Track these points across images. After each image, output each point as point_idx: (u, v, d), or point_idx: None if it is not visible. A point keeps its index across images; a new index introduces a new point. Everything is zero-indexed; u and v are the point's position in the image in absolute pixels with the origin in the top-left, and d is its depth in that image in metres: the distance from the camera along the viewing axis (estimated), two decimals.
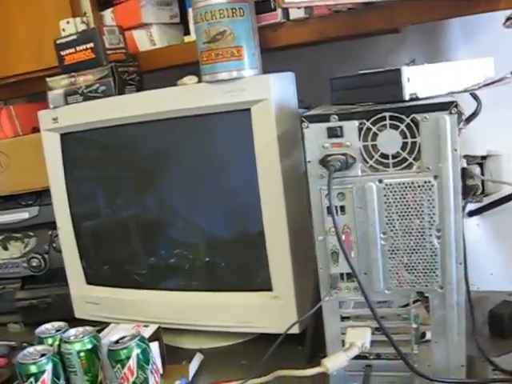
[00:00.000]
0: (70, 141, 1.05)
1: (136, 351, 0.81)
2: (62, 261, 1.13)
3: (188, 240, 1.02)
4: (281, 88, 0.89)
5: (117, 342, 0.83)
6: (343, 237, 0.76)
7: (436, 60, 1.11)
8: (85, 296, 1.11)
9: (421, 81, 0.73)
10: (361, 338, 0.77)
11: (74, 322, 1.06)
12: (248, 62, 0.88)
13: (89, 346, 0.85)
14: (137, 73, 1.04)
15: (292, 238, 0.91)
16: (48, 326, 0.91)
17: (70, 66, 1.04)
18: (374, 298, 0.76)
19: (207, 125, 0.94)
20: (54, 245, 1.18)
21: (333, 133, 0.74)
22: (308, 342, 0.91)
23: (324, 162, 0.74)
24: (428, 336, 0.78)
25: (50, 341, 0.88)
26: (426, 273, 0.74)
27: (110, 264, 1.10)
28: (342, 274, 0.78)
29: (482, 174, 0.83)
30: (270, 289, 0.93)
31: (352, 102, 0.77)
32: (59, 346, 0.87)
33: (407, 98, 0.71)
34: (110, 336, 0.91)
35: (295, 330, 0.92)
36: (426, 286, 0.75)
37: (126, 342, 0.82)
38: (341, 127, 0.73)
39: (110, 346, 0.82)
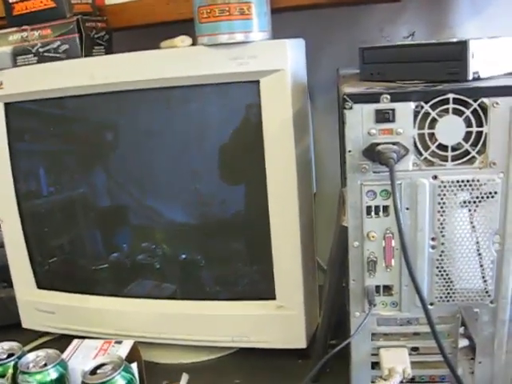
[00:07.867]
0: (18, 112, 0.83)
1: None
2: (4, 258, 0.92)
3: (159, 230, 0.86)
4: (295, 57, 0.73)
5: (93, 372, 0.66)
6: (383, 243, 0.63)
7: (439, 35, 1.01)
8: (35, 302, 0.90)
9: (483, 57, 0.60)
10: (400, 361, 0.65)
11: (18, 329, 0.92)
12: (258, 23, 0.71)
13: (54, 376, 0.67)
14: (106, 30, 0.83)
15: (302, 235, 0.76)
16: None
17: (20, 16, 0.81)
18: (415, 314, 0.66)
19: (200, 99, 0.76)
20: None
21: (383, 116, 0.60)
22: (317, 358, 0.78)
23: (370, 152, 0.60)
24: None
25: None
26: (477, 285, 0.64)
27: (67, 264, 0.90)
28: (377, 287, 0.65)
29: None
30: (272, 297, 0.79)
31: (390, 79, 0.64)
32: (14, 375, 0.68)
33: (470, 77, 0.59)
34: (76, 358, 0.74)
35: (301, 343, 0.80)
36: (476, 300, 0.64)
37: (108, 372, 0.65)
38: (393, 110, 0.59)
39: (85, 379, 0.65)
